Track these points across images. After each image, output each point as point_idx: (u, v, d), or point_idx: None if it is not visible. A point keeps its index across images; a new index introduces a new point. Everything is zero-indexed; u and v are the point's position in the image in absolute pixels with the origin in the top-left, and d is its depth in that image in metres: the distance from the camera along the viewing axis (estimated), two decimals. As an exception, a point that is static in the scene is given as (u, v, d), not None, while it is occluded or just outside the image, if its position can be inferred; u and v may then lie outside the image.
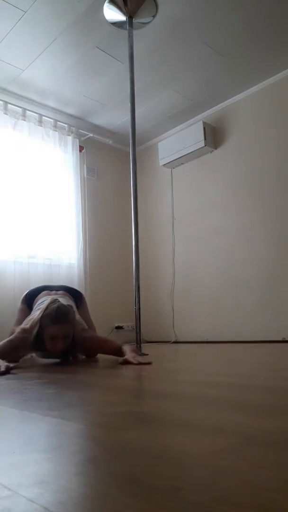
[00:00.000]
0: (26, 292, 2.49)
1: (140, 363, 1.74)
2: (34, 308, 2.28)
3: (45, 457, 0.51)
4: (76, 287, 3.13)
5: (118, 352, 1.97)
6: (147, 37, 2.83)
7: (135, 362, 1.76)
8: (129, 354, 1.87)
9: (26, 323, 2.02)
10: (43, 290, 2.44)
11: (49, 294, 2.32)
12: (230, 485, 0.39)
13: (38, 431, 0.66)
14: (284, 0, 2.56)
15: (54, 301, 2.02)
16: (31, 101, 3.57)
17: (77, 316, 2.16)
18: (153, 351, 2.64)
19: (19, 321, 2.27)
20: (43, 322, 1.90)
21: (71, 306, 2.04)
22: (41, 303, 2.17)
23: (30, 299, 2.40)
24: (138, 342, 2.46)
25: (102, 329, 3.54)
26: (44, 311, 1.94)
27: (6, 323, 3.14)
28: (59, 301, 2.02)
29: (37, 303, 2.29)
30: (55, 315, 1.90)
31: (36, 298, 2.36)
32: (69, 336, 1.93)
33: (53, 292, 2.40)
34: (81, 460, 0.49)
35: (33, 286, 2.66)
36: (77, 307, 2.43)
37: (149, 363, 1.75)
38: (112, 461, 0.48)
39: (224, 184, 3.66)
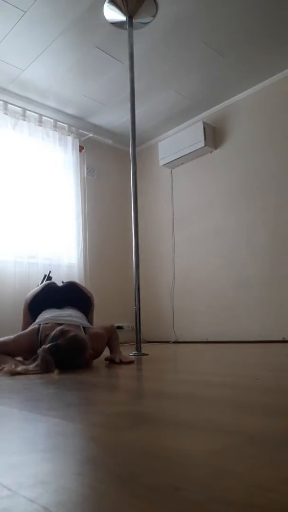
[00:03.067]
0: (31, 300, 2.19)
1: (121, 362, 1.79)
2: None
3: (45, 457, 0.51)
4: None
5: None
6: (147, 37, 2.83)
7: (117, 360, 1.80)
8: (114, 354, 1.91)
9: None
10: (47, 298, 2.16)
11: (54, 320, 1.94)
12: (230, 485, 0.39)
13: (38, 431, 0.66)
14: (284, 1, 2.56)
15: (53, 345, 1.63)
16: (31, 101, 3.57)
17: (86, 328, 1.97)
18: (153, 351, 2.64)
19: (23, 329, 2.07)
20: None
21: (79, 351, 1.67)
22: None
23: (34, 309, 2.13)
24: (138, 342, 2.46)
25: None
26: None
27: (6, 322, 3.15)
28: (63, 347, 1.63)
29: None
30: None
31: (41, 314, 2.06)
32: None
33: (59, 315, 2.01)
34: (81, 460, 0.49)
35: (34, 285, 2.62)
36: (87, 313, 2.22)
37: (131, 362, 1.81)
38: (112, 461, 0.48)
39: (224, 184, 3.66)
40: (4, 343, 1.83)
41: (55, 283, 2.37)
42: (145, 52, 2.99)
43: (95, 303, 2.41)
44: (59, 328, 1.72)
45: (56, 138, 3.72)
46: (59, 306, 2.14)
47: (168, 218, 4.12)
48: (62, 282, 2.47)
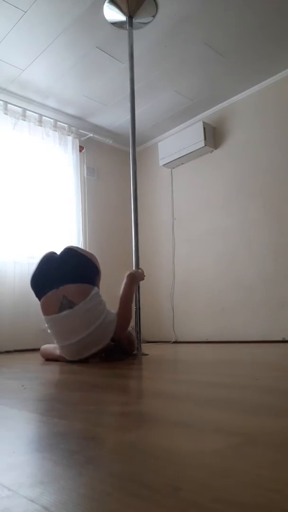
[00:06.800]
0: (30, 281, 2.10)
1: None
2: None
3: (45, 457, 0.51)
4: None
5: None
6: (147, 37, 2.83)
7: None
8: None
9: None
10: (46, 282, 2.02)
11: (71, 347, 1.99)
12: (230, 485, 0.39)
13: (38, 431, 0.66)
14: (284, 1, 2.56)
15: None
16: (31, 101, 3.57)
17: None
18: (153, 351, 2.64)
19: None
20: None
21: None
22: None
23: (35, 289, 2.08)
24: (138, 342, 2.46)
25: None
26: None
27: (6, 323, 3.15)
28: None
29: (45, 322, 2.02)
30: None
31: (42, 301, 2.01)
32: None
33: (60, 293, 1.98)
34: (81, 460, 0.49)
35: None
36: (93, 280, 2.14)
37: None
38: (112, 461, 0.48)
39: (224, 184, 3.66)
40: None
41: (53, 253, 2.15)
42: (145, 52, 2.99)
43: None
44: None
45: (56, 138, 3.72)
46: (57, 285, 1.98)
47: (168, 218, 4.12)
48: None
